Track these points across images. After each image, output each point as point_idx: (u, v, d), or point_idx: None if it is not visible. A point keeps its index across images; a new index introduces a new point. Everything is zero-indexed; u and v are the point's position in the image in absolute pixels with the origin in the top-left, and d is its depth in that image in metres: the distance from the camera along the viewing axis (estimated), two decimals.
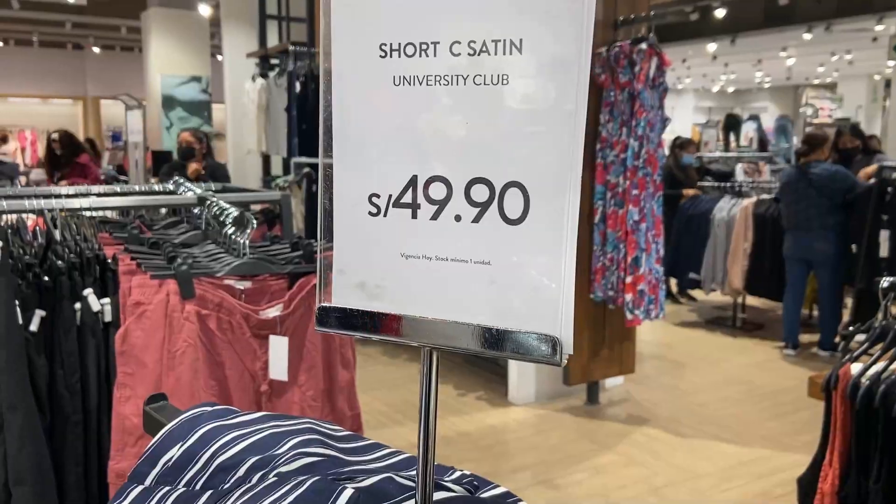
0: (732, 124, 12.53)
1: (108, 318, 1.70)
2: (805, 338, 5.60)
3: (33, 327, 1.62)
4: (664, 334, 6.08)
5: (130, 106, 4.90)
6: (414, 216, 0.48)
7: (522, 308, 0.44)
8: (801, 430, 3.97)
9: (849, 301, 5.48)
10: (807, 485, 1.88)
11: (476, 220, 0.46)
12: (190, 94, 10.30)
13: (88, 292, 1.68)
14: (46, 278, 1.65)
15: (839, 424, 1.80)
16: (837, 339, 5.22)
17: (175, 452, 0.64)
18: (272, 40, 7.52)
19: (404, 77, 0.47)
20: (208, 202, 1.91)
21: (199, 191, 2.09)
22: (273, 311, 1.76)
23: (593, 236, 4.42)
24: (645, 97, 4.09)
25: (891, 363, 1.77)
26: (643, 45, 4.01)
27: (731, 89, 21.46)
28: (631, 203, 4.23)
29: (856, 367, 1.80)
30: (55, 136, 6.11)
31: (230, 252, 1.84)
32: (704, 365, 5.27)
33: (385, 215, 0.49)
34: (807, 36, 10.23)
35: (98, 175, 6.21)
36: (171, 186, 2.26)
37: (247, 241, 1.79)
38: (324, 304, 0.52)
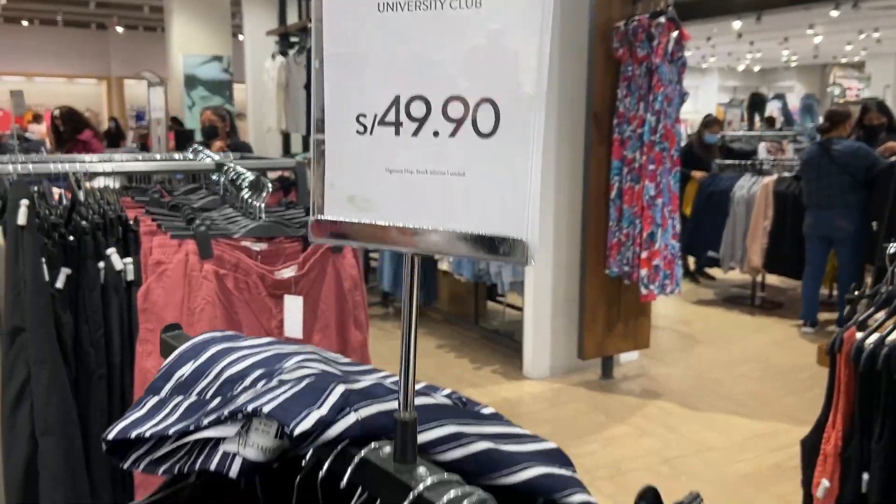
0: (757, 103, 12.36)
1: (130, 277, 1.77)
2: (824, 316, 5.57)
3: (59, 284, 1.69)
4: (681, 312, 6.08)
5: (152, 82, 4.97)
6: (397, 133, 0.52)
7: (494, 215, 0.48)
8: (816, 406, 3.94)
9: (869, 279, 5.43)
10: (810, 446, 1.90)
11: (452, 134, 0.50)
12: (212, 74, 10.40)
13: (111, 252, 1.74)
14: (71, 238, 1.72)
15: (843, 387, 1.82)
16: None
17: (187, 369, 0.70)
18: (292, 17, 7.56)
19: (388, 4, 0.51)
20: (226, 168, 1.96)
21: (217, 157, 2.15)
22: (288, 272, 1.82)
23: (609, 212, 4.43)
24: (663, 71, 4.08)
25: (894, 328, 1.78)
26: (662, 19, 3.99)
27: (756, 68, 21.13)
28: (647, 178, 4.22)
29: (862, 333, 1.82)
30: (57, 112, 6.11)
31: (247, 216, 1.89)
32: (721, 342, 5.27)
33: (371, 133, 0.53)
34: (834, 13, 10.04)
35: (101, 152, 6.24)
36: (190, 155, 2.33)
37: (262, 205, 1.85)
38: (318, 217, 0.56)
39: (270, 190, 1.83)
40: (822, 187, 5.15)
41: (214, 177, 2.12)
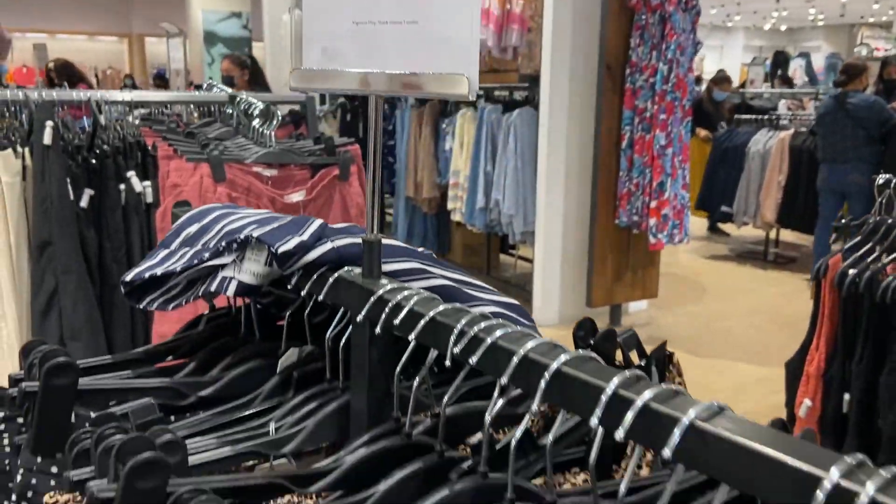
0: (781, 62, 12.15)
1: (149, 199, 1.87)
2: None
3: (83, 204, 1.81)
4: (693, 265, 6.13)
5: (172, 33, 5.04)
6: None
7: (443, 56, 0.56)
8: None
9: None
10: (794, 368, 1.99)
11: None
12: (231, 31, 10.43)
13: (131, 174, 1.85)
14: (94, 161, 1.82)
15: (827, 311, 1.89)
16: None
17: (193, 228, 0.79)
18: None
19: None
20: (238, 99, 2.05)
21: (230, 90, 2.24)
22: (297, 196, 1.92)
23: (620, 162, 4.46)
24: (676, 20, 4.07)
25: (879, 255, 1.85)
26: None
27: (783, 27, 20.64)
28: (658, 128, 4.25)
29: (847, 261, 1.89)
30: (51, 65, 6.13)
31: (258, 144, 1.99)
32: (731, 294, 5.33)
33: None
34: None
35: None
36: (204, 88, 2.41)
37: (273, 133, 1.94)
38: (298, 67, 0.65)
39: (280, 118, 1.92)
40: (836, 141, 5.13)
41: (229, 110, 2.21)
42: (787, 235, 6.52)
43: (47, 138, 1.70)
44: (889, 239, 1.87)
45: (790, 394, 1.99)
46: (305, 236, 0.65)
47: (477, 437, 0.55)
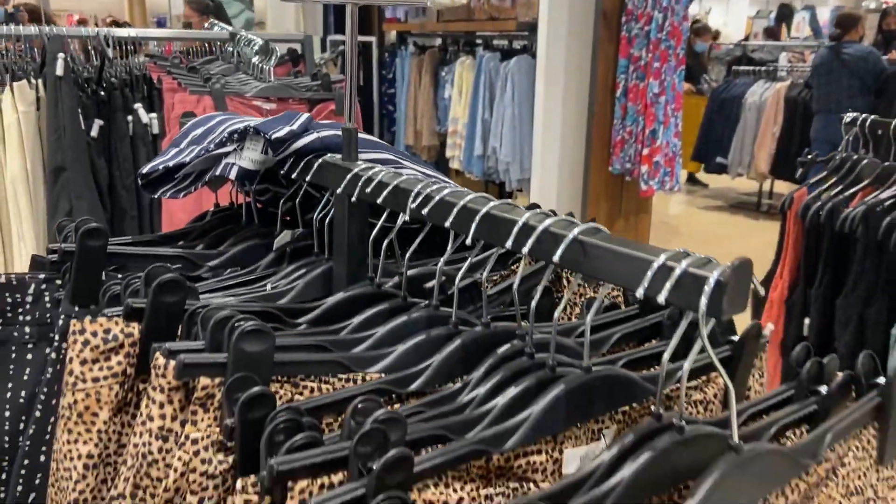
0: (785, 14, 12.03)
1: (155, 129, 1.99)
2: None
3: (94, 134, 1.92)
4: (685, 215, 6.24)
5: None
6: None
7: None
8: None
9: None
10: (758, 296, 2.12)
11: None
12: None
13: (138, 106, 1.96)
14: (102, 93, 1.93)
15: (791, 242, 2.02)
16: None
17: (199, 130, 0.91)
18: None
19: None
20: (238, 37, 2.14)
21: (231, 28, 2.33)
22: None
23: (614, 110, 4.54)
24: None
25: (843, 189, 1.96)
26: None
27: None
28: (652, 76, 4.32)
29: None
30: (22, 8, 6.11)
31: (258, 80, 2.09)
32: (719, 241, 5.45)
33: None
34: None
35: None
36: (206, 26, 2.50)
37: (272, 69, 2.04)
38: None
39: (278, 54, 2.01)
40: (830, 91, 5.19)
41: (229, 48, 2.30)
42: (781, 187, 6.61)
43: (59, 70, 1.80)
44: (853, 174, 1.98)
45: (754, 320, 2.13)
46: (295, 126, 0.77)
47: (432, 283, 0.68)
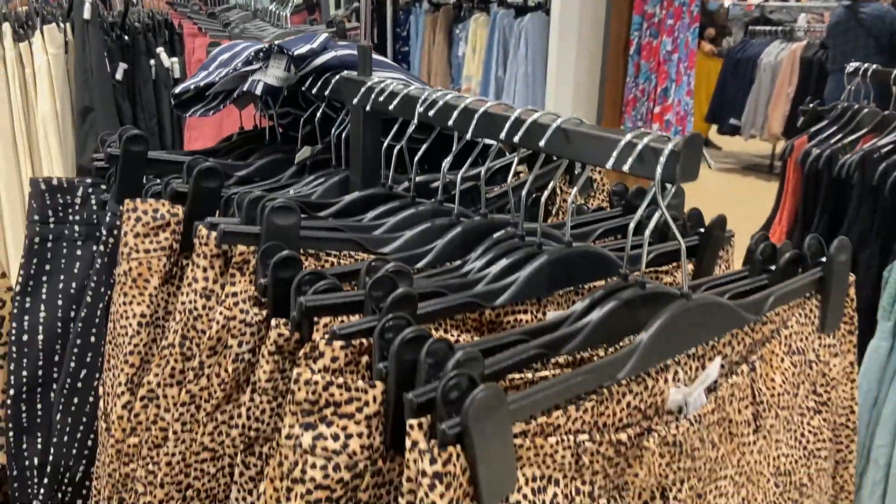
0: None
1: (177, 73, 2.07)
2: None
3: (118, 76, 2.00)
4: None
5: None
6: None
7: None
8: None
9: None
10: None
11: None
12: None
13: (160, 50, 2.04)
14: (126, 37, 2.01)
15: (790, 188, 2.08)
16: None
17: (226, 55, 0.99)
18: None
19: None
20: None
21: None
22: None
23: (627, 68, 4.56)
24: None
25: (842, 137, 2.02)
26: None
27: None
28: (665, 33, 4.33)
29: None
30: None
31: (275, 26, 2.16)
32: (730, 202, 5.48)
33: None
34: None
35: None
36: None
37: (288, 15, 2.11)
38: None
39: (294, 2, 2.08)
40: (846, 51, 5.16)
41: None
42: None
43: (87, 13, 1.88)
44: (853, 123, 2.04)
45: None
46: (315, 44, 0.85)
47: (437, 182, 0.76)
